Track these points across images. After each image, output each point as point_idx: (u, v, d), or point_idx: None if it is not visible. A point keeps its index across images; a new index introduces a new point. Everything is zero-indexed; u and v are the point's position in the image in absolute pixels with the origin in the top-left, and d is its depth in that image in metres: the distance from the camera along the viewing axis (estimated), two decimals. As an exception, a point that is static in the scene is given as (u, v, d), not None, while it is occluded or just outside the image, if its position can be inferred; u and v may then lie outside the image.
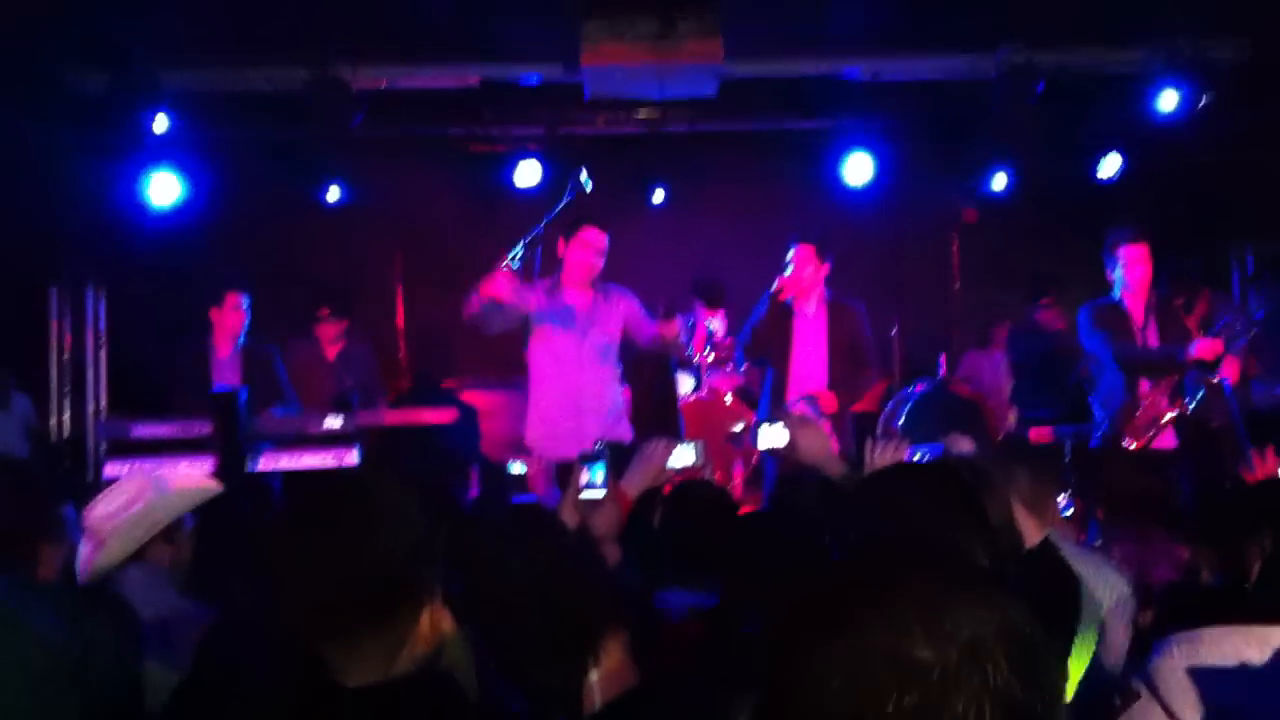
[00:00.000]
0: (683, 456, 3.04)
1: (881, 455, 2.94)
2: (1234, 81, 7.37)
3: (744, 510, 3.72)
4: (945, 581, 1.07)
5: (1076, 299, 6.29)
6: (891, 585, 1.07)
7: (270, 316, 6.99)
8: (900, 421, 6.91)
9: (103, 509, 2.67)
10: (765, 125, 8.73)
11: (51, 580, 2.76)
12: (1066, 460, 6.32)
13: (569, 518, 2.84)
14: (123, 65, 7.08)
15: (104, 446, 5.63)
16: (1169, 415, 5.83)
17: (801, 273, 5.87)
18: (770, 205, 8.68)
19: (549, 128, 8.47)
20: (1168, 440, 5.87)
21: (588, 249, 5.52)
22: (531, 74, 7.85)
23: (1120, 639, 2.78)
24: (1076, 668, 2.43)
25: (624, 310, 5.72)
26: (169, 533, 2.72)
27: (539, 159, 8.43)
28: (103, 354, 7.48)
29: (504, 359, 6.68)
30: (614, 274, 5.75)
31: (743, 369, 7.53)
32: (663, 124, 8.49)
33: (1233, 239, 8.17)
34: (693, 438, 6.22)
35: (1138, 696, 2.01)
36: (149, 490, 2.72)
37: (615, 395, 5.75)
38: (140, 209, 7.78)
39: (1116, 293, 6.02)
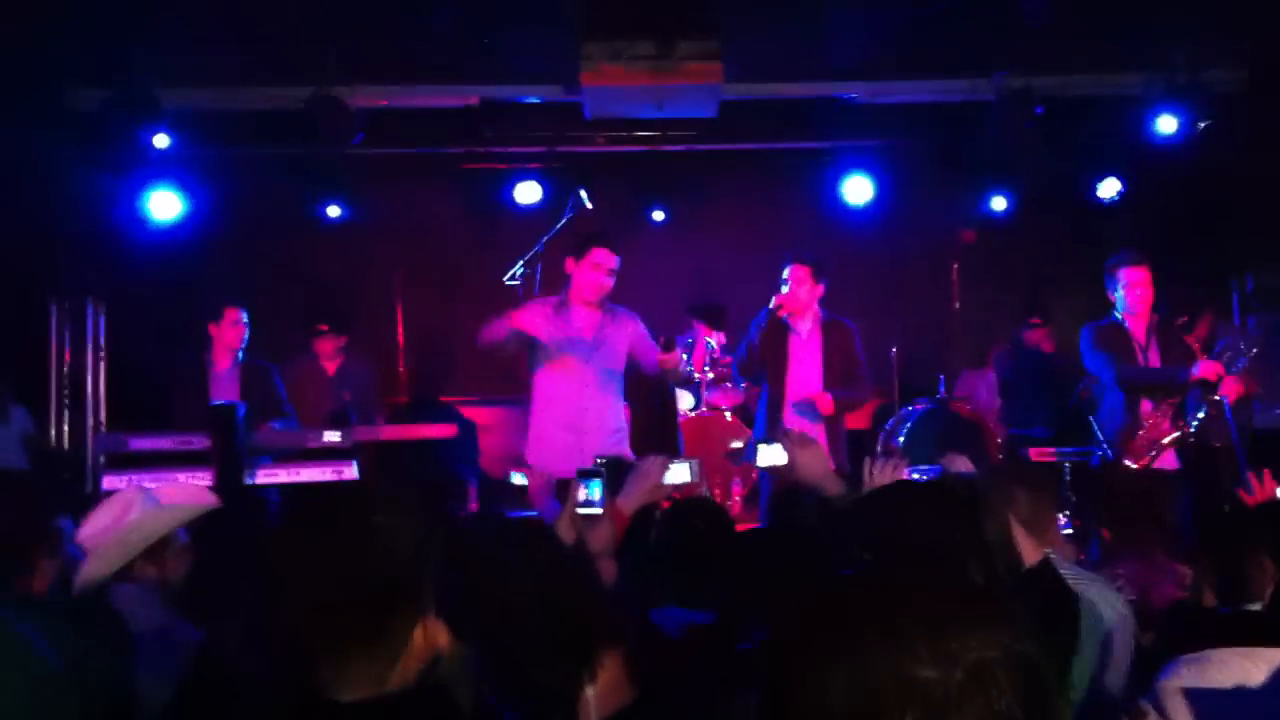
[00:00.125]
0: (679, 474, 3.04)
1: (880, 474, 2.94)
2: (1231, 107, 7.40)
3: (742, 528, 3.72)
4: (952, 602, 1.07)
5: (1076, 320, 6.30)
6: (897, 604, 1.07)
7: (270, 332, 7.00)
8: (900, 440, 6.91)
9: (91, 524, 2.67)
10: (765, 145, 8.76)
11: (46, 592, 2.76)
12: (1066, 480, 6.33)
13: (566, 533, 2.83)
14: (122, 82, 7.12)
15: (102, 460, 5.61)
16: (1171, 436, 5.83)
17: (798, 292, 5.88)
18: (769, 225, 8.70)
19: (549, 146, 8.49)
20: (1169, 461, 5.86)
21: (598, 270, 5.51)
22: (531, 94, 7.88)
23: (1121, 659, 2.77)
24: (1076, 688, 2.42)
25: (630, 333, 5.72)
26: (154, 550, 2.71)
27: (538, 178, 8.46)
28: (102, 367, 7.47)
29: (503, 375, 6.69)
30: (614, 292, 5.75)
31: (742, 386, 7.54)
32: (662, 143, 8.51)
33: (1231, 262, 8.17)
34: (692, 455, 6.21)
35: (1145, 716, 2.00)
36: (137, 507, 2.71)
37: (618, 416, 5.74)
38: (141, 224, 7.82)
39: (1118, 314, 6.03)
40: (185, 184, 7.89)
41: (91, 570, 2.64)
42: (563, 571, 2.15)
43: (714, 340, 7.66)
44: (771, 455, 3.09)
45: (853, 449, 6.00)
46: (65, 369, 7.39)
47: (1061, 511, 5.74)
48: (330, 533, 1.69)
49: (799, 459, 3.03)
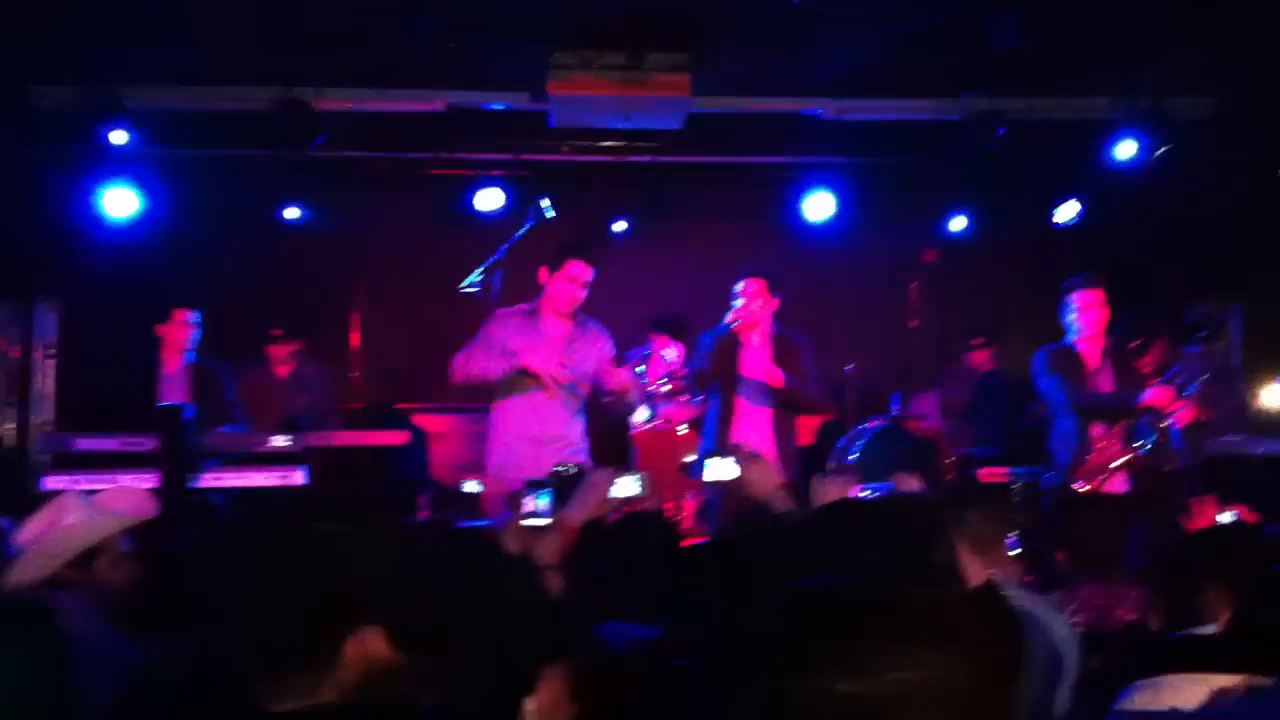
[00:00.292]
0: (626, 487, 3.02)
1: (828, 490, 2.93)
2: (1194, 134, 7.48)
3: (693, 542, 3.70)
4: (880, 621, 1.07)
5: (1033, 342, 6.33)
6: (824, 618, 1.09)
7: (224, 335, 6.92)
8: (854, 457, 6.92)
9: (29, 528, 2.62)
10: (730, 159, 8.76)
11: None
12: (1015, 500, 6.35)
13: (512, 544, 2.81)
14: (87, 81, 7.04)
15: (46, 460, 5.52)
16: (1120, 460, 5.87)
17: (752, 305, 5.87)
18: (732, 238, 8.70)
19: (513, 154, 8.46)
20: (1119, 485, 5.90)
21: (573, 283, 5.50)
22: (498, 100, 7.86)
23: (1066, 683, 2.77)
24: (1020, 710, 2.41)
25: (599, 350, 5.71)
26: (85, 558, 2.66)
27: (502, 185, 8.42)
28: (51, 366, 7.37)
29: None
30: (576, 302, 5.73)
31: (698, 400, 7.52)
32: (627, 154, 8.50)
33: (1188, 287, 8.27)
34: (645, 468, 6.21)
35: None
36: (72, 512, 2.66)
37: (580, 429, 5.72)
38: (98, 223, 7.72)
39: (1071, 337, 6.07)
40: (145, 183, 7.80)
41: (19, 575, 2.58)
42: (506, 582, 2.12)
43: (671, 353, 7.64)
44: (719, 470, 3.09)
45: (803, 465, 6.00)
46: (12, 367, 7.28)
47: (1011, 533, 5.75)
48: (265, 542, 1.67)
49: (747, 474, 3.02)
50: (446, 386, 6.16)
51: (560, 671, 2.05)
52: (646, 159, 8.52)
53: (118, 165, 7.58)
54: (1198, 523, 4.11)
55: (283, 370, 7.49)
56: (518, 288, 6.17)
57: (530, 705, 2.00)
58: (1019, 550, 5.77)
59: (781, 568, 2.11)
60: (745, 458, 3.09)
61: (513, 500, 5.10)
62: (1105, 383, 6.01)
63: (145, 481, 4.89)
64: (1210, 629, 2.68)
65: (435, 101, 7.82)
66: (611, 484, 3.02)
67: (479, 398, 5.95)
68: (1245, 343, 8.33)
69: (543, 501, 2.87)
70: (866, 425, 7.23)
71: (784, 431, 5.93)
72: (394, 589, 1.81)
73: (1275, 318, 7.87)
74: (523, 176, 8.42)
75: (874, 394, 7.73)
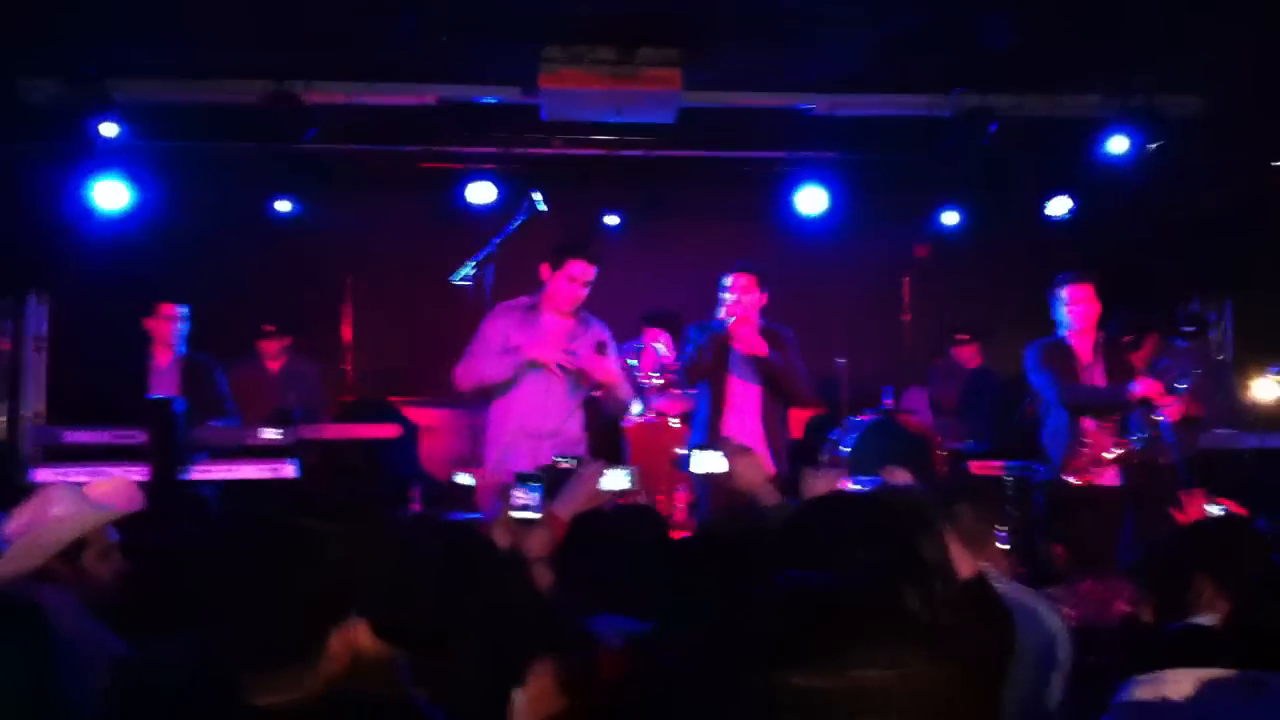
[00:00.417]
0: (617, 480, 3.01)
1: (818, 484, 2.93)
2: (1185, 131, 7.49)
3: (683, 535, 3.70)
4: (853, 616, 1.08)
5: (1025, 337, 6.34)
6: (795, 611, 1.09)
7: (215, 329, 6.91)
8: (845, 450, 6.93)
9: (15, 520, 2.61)
10: (721, 154, 8.75)
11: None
12: (1008, 494, 6.37)
13: (502, 538, 2.80)
14: (75, 74, 7.01)
15: (36, 453, 5.51)
16: (1112, 454, 5.88)
17: (744, 300, 5.86)
18: (724, 233, 8.71)
19: (504, 148, 8.45)
20: (1110, 478, 5.92)
21: (574, 283, 5.47)
22: (489, 94, 7.84)
23: (1058, 676, 2.77)
24: (1010, 705, 2.42)
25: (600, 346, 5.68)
26: (72, 550, 2.65)
27: (493, 178, 8.40)
28: (43, 359, 7.34)
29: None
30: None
31: (690, 393, 7.52)
32: (619, 149, 8.49)
33: (1179, 283, 8.28)
34: (637, 461, 6.20)
35: None
36: (59, 504, 2.65)
37: (579, 425, 5.70)
38: (89, 217, 7.70)
39: (1062, 332, 6.08)
40: (135, 177, 7.78)
41: (6, 567, 2.57)
42: (496, 575, 2.12)
43: (662, 346, 7.64)
44: (706, 462, 3.08)
45: (794, 458, 6.00)
46: (2, 361, 7.25)
47: (1002, 527, 5.77)
48: (251, 535, 1.67)
49: (736, 468, 3.02)
50: (438, 380, 6.15)
51: (550, 665, 2.04)
52: (639, 154, 8.51)
53: (107, 159, 7.56)
54: (1187, 517, 4.12)
55: (274, 365, 7.50)
56: (510, 281, 6.15)
57: (520, 698, 1.99)
58: (1011, 544, 5.81)
59: (769, 561, 2.11)
60: (734, 451, 3.09)
61: (504, 494, 5.10)
62: (1097, 377, 6.02)
63: (136, 474, 4.88)
64: (1208, 619, 2.68)
65: (426, 95, 7.80)
66: (602, 477, 3.01)
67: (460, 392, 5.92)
68: (1237, 338, 8.35)
69: (532, 495, 2.86)
70: (859, 419, 7.24)
71: (775, 424, 5.92)
72: (382, 582, 1.81)
73: (1266, 313, 7.89)
74: (514, 171, 8.41)
75: (866, 388, 7.74)
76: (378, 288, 8.47)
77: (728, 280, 5.89)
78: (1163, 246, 8.23)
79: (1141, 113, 7.39)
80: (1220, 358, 8.04)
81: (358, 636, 1.69)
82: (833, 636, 1.05)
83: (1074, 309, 6.00)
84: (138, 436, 5.20)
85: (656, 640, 2.55)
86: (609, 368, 5.58)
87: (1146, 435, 5.84)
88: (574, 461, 3.18)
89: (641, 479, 3.20)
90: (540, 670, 2.03)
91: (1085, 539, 5.82)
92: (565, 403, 5.57)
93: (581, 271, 5.46)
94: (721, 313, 5.86)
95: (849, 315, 8.74)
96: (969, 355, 8.32)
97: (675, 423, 7.45)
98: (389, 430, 6.09)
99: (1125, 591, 3.46)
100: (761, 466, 3.12)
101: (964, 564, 2.58)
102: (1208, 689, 2.06)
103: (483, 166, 8.49)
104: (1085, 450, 5.91)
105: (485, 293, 6.32)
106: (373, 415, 7.17)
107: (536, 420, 5.50)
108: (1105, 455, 5.87)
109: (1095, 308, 6.01)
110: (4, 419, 7.28)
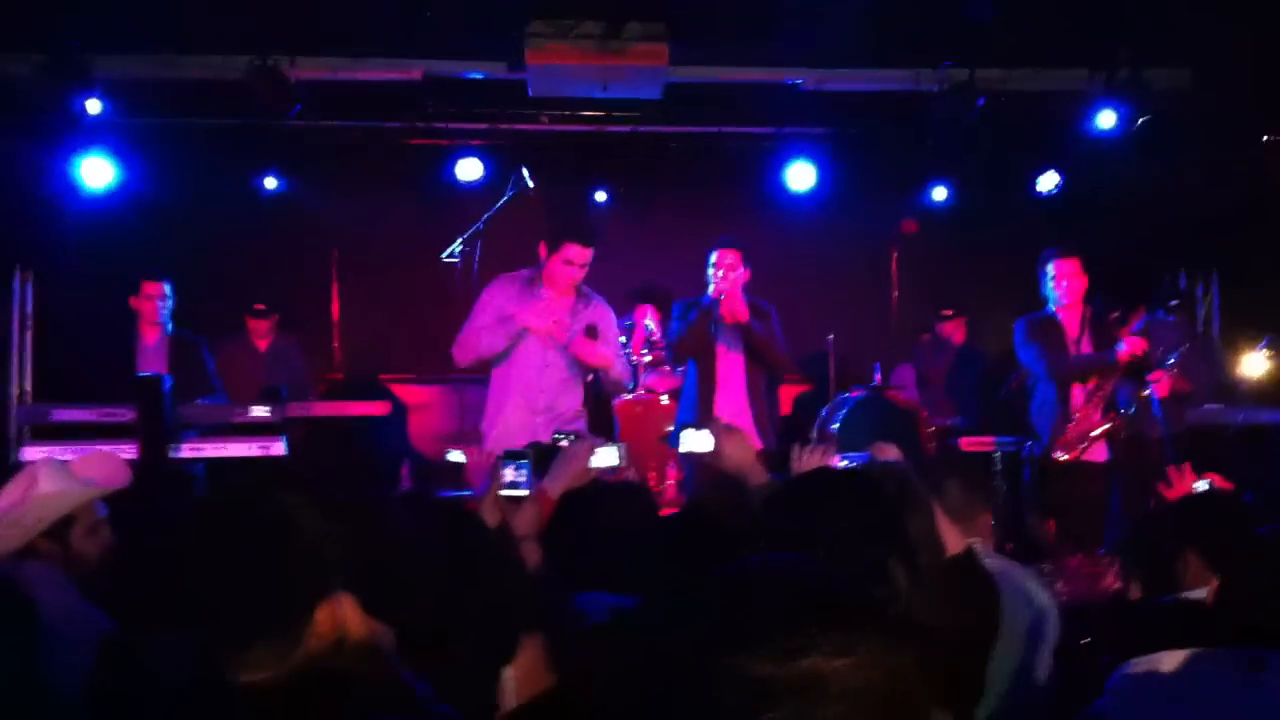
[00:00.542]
0: (605, 457, 3.01)
1: (807, 459, 2.93)
2: (1171, 105, 7.49)
3: (671, 512, 3.70)
4: (812, 602, 1.07)
5: (1013, 312, 6.35)
6: (758, 594, 1.10)
7: (203, 306, 6.89)
8: (835, 426, 6.93)
9: (2, 498, 2.59)
10: (709, 129, 8.72)
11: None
12: (997, 470, 6.39)
13: (490, 515, 2.80)
14: (55, 49, 6.95)
15: (24, 431, 5.50)
16: (1101, 428, 5.90)
17: (730, 276, 5.86)
18: (712, 208, 8.69)
19: (491, 124, 8.41)
20: (1098, 454, 5.94)
21: (570, 265, 5.45)
22: (476, 70, 7.80)
23: (1046, 651, 2.78)
24: (997, 679, 2.43)
25: (600, 327, 5.66)
26: (59, 527, 2.64)
27: (480, 155, 8.37)
28: (28, 337, 7.31)
29: (441, 355, 6.62)
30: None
31: (679, 371, 7.53)
32: (606, 124, 8.46)
33: (1168, 258, 8.29)
34: (627, 438, 6.19)
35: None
36: (45, 480, 2.63)
37: (578, 400, 5.69)
38: (73, 193, 7.66)
39: (1050, 307, 6.10)
40: (119, 153, 7.74)
41: None
42: (484, 552, 2.12)
43: (651, 322, 7.63)
44: (695, 441, 3.07)
45: (783, 434, 6.01)
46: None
47: (990, 502, 5.79)
48: (234, 512, 1.66)
49: (724, 446, 3.02)
50: (426, 357, 6.15)
51: (539, 641, 2.04)
52: (626, 129, 8.48)
53: (91, 136, 7.51)
54: (1175, 491, 4.13)
55: (262, 343, 7.48)
56: (498, 257, 6.14)
57: (509, 674, 1.99)
58: (1000, 519, 5.83)
59: (755, 538, 2.11)
60: (721, 430, 3.08)
61: (493, 471, 5.10)
62: (1086, 351, 6.04)
63: (124, 452, 4.86)
64: (1196, 594, 2.70)
65: (412, 71, 7.77)
66: (591, 454, 3.01)
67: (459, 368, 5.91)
68: (1224, 312, 8.37)
69: (521, 472, 2.85)
70: (848, 395, 7.25)
71: (762, 399, 5.93)
72: (369, 558, 1.80)
73: (1253, 287, 7.90)
74: (501, 147, 8.37)
75: (854, 364, 7.75)
76: (365, 265, 8.43)
77: (713, 256, 5.88)
78: (1150, 221, 8.24)
79: (1129, 86, 7.39)
80: (1206, 332, 8.06)
81: (345, 612, 1.69)
82: (784, 622, 1.04)
83: (1061, 284, 6.01)
84: (126, 414, 5.19)
85: (643, 617, 2.55)
86: (599, 351, 5.56)
87: (1134, 410, 5.87)
88: (573, 438, 3.18)
89: (631, 456, 3.19)
90: (529, 647, 2.03)
91: (1073, 514, 5.85)
92: (563, 376, 5.56)
93: (577, 254, 5.45)
94: (711, 289, 5.85)
95: (837, 291, 8.74)
96: (954, 330, 8.33)
97: (665, 399, 7.45)
98: (378, 408, 6.07)
99: (1114, 566, 3.48)
100: (749, 445, 3.12)
101: (952, 539, 2.59)
102: (1207, 668, 2.07)
103: (470, 143, 8.44)
104: (1073, 425, 5.93)
105: (473, 269, 6.30)
106: (361, 393, 7.15)
107: (533, 394, 5.50)
108: (1093, 433, 5.89)
109: (1082, 282, 6.02)
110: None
